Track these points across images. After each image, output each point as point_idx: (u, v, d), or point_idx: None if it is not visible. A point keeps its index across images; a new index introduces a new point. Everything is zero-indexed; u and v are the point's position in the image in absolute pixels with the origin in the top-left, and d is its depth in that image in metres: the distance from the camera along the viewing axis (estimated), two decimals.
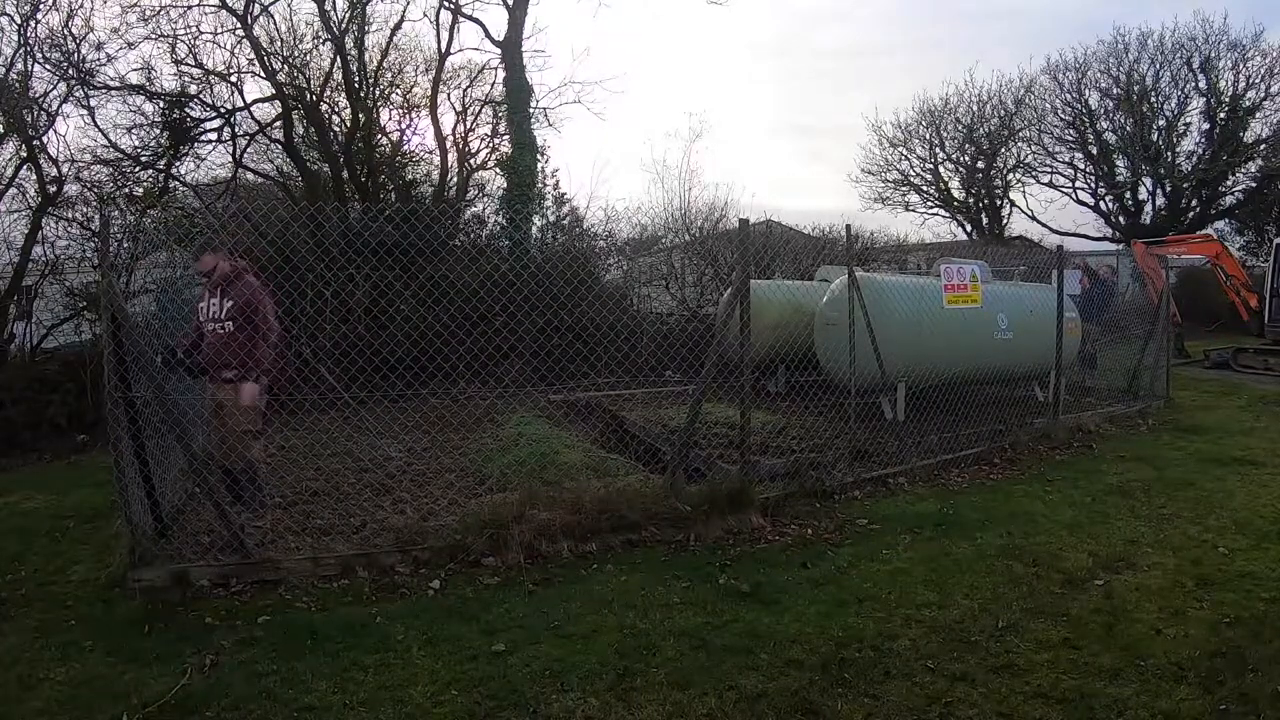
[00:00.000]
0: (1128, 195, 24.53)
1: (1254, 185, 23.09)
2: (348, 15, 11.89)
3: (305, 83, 11.96)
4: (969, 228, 27.16)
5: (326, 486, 5.77)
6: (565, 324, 9.24)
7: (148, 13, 10.59)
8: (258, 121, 11.80)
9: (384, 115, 13.01)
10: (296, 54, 11.99)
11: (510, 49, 12.62)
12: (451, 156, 13.02)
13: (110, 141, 10.79)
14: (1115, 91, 23.52)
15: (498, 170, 13.04)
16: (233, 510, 4.34)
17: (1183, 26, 23.12)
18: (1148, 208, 24.42)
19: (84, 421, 8.53)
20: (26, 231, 9.47)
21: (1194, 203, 24.00)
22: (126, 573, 4.07)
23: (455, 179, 13.02)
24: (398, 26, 12.50)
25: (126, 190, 10.89)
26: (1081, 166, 25.18)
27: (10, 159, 9.63)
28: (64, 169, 10.04)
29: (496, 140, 13.40)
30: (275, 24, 11.93)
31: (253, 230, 9.38)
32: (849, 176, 37.19)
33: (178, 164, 11.38)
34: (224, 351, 4.54)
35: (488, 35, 13.00)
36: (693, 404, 5.37)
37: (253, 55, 11.29)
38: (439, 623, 3.69)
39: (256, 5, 11.29)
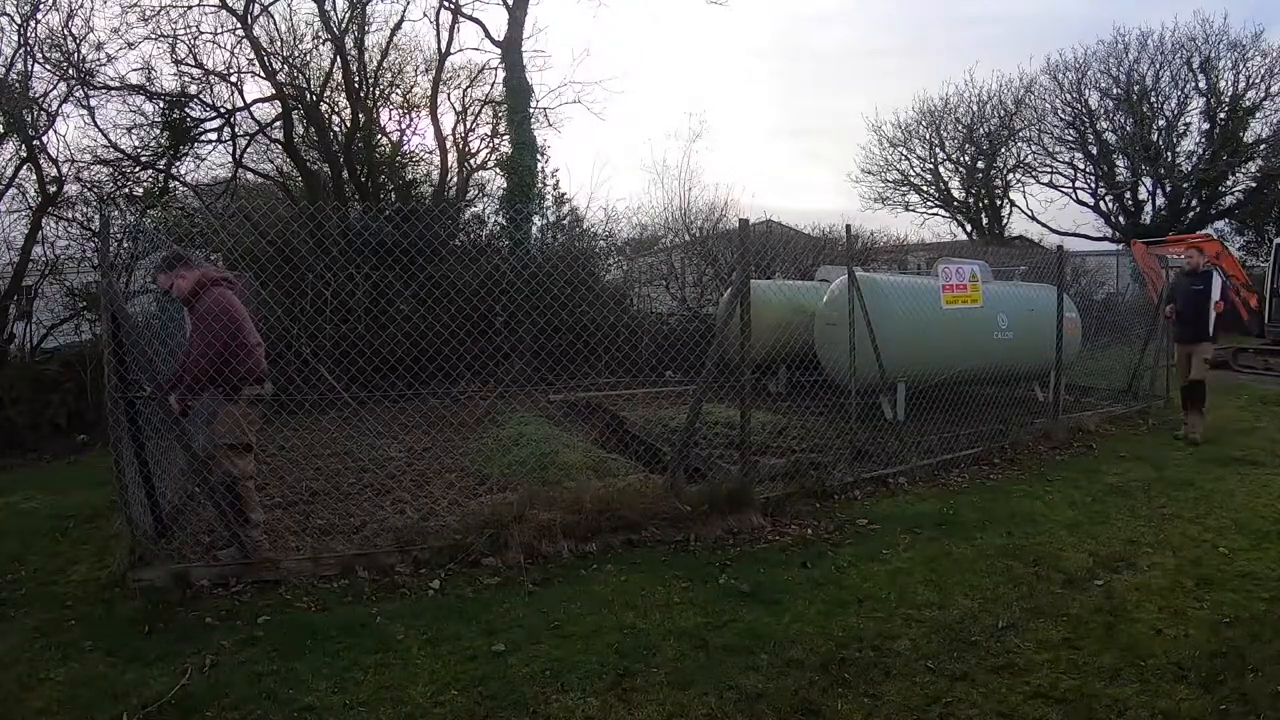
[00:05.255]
0: (1128, 195, 24.54)
1: (1254, 185, 23.08)
2: (348, 15, 11.90)
3: (305, 83, 11.95)
4: (969, 228, 27.17)
5: (326, 486, 5.78)
6: (565, 324, 9.25)
7: (148, 13, 10.60)
8: (258, 121, 11.80)
9: (384, 115, 13.04)
10: (296, 54, 12.00)
11: (510, 49, 12.64)
12: (451, 156, 13.04)
13: (110, 141, 10.79)
14: (1115, 91, 23.53)
15: (498, 170, 13.06)
16: (232, 516, 4.29)
17: (1183, 27, 23.14)
18: (1148, 208, 24.43)
19: (84, 421, 8.54)
20: (26, 231, 9.47)
21: (1194, 203, 24.00)
22: (126, 573, 4.07)
23: (455, 179, 13.03)
24: (398, 26, 12.54)
25: (126, 190, 10.89)
26: (1081, 166, 25.21)
27: (10, 159, 9.63)
28: (64, 169, 10.04)
29: (496, 140, 13.42)
30: (275, 24, 11.95)
31: (253, 230, 9.38)
32: (849, 176, 37.34)
33: (178, 164, 11.38)
34: (195, 367, 4.23)
35: (488, 35, 13.04)
36: (693, 404, 5.36)
37: (253, 55, 11.30)
38: (439, 623, 3.69)
39: (256, 5, 11.29)
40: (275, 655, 3.37)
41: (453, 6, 12.59)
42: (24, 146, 9.52)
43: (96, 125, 10.66)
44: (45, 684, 3.19)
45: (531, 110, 12.85)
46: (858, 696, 3.04)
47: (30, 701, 3.07)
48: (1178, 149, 23.36)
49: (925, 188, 27.42)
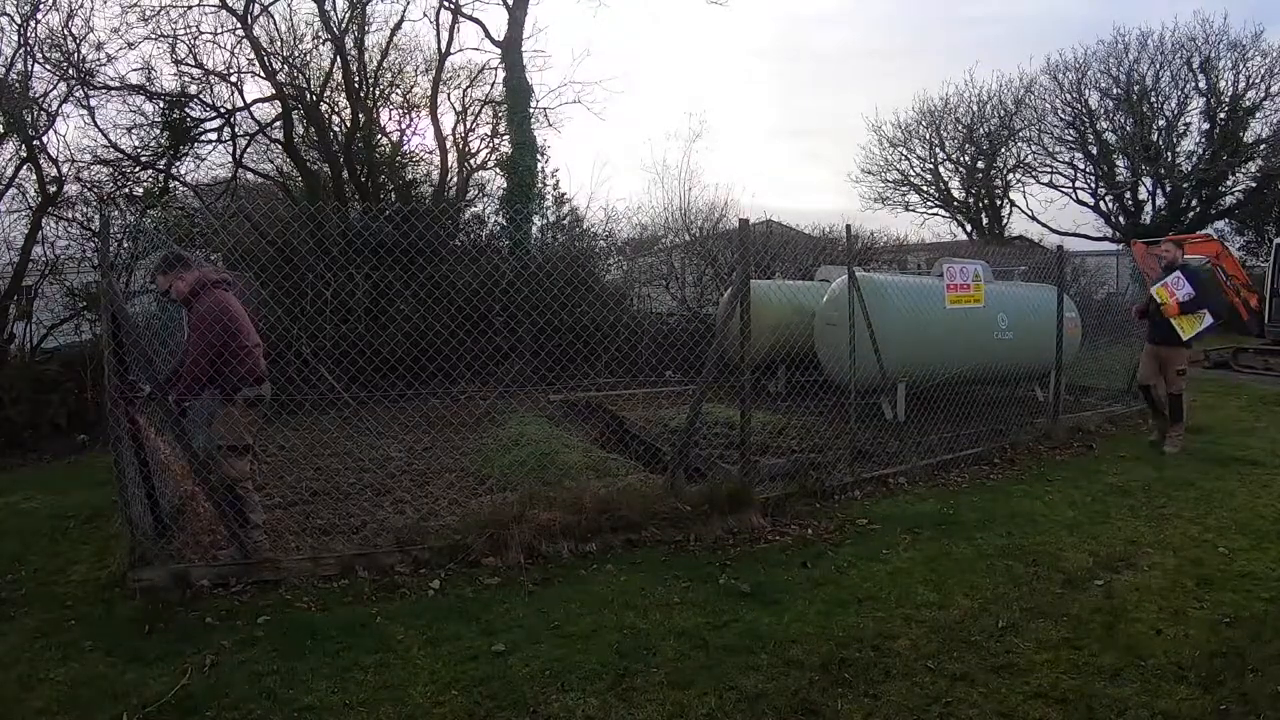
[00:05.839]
0: (1128, 195, 24.56)
1: (1254, 185, 23.10)
2: (348, 15, 11.90)
3: (305, 83, 11.95)
4: (969, 228, 27.20)
5: (326, 486, 5.78)
6: (565, 324, 9.25)
7: (148, 13, 10.60)
8: (258, 121, 11.80)
9: (384, 115, 13.04)
10: (296, 54, 11.99)
11: (510, 49, 12.63)
12: (451, 156, 13.03)
13: (110, 141, 10.79)
14: (1115, 91, 23.55)
15: (498, 170, 13.06)
16: (232, 516, 4.28)
17: (1183, 27, 23.25)
18: (1148, 208, 24.45)
19: (84, 421, 8.54)
20: (26, 231, 9.47)
21: (1194, 203, 24.02)
22: (126, 573, 4.07)
23: (455, 179, 13.02)
24: (398, 26, 12.53)
25: (126, 190, 10.89)
26: (1081, 166, 25.24)
27: (10, 159, 9.63)
28: (64, 169, 10.04)
29: (496, 140, 13.42)
30: (275, 24, 11.95)
31: (253, 230, 9.39)
32: (849, 176, 37.38)
33: (178, 164, 11.37)
34: (193, 369, 4.24)
35: (488, 35, 13.03)
36: (693, 404, 5.37)
37: (253, 55, 11.29)
38: (439, 623, 3.69)
39: (256, 5, 11.28)
40: (275, 655, 3.37)
41: (453, 6, 12.59)
42: (24, 146, 9.52)
43: (96, 125, 10.68)
44: (45, 684, 3.19)
45: (531, 110, 12.84)
46: (858, 696, 3.04)
47: (30, 701, 3.07)
48: (1178, 149, 23.41)
49: (925, 188, 27.46)
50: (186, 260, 4.54)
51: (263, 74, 11.41)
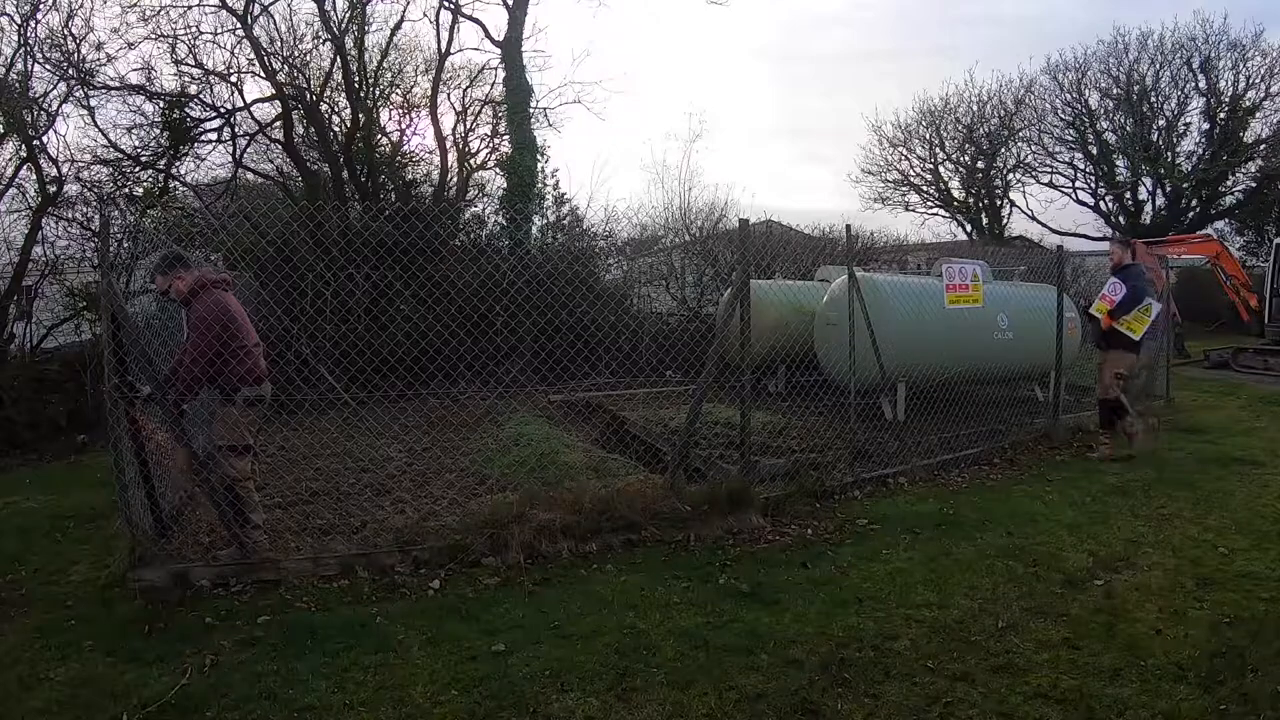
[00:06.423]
0: (1128, 195, 24.57)
1: (1254, 185, 23.12)
2: (348, 15, 11.90)
3: (305, 83, 11.96)
4: (969, 228, 27.19)
5: (326, 486, 5.78)
6: (565, 324, 9.24)
7: (148, 13, 10.62)
8: (258, 121, 11.81)
9: (384, 115, 13.05)
10: (296, 54, 12.00)
11: (510, 49, 12.64)
12: (451, 156, 13.04)
13: (110, 141, 10.81)
14: (1115, 91, 23.56)
15: (498, 170, 13.06)
16: (232, 516, 4.28)
17: (1183, 27, 23.21)
18: (1148, 208, 24.46)
19: (84, 421, 8.54)
20: (26, 231, 9.48)
21: (1194, 203, 24.03)
22: (126, 573, 4.07)
23: (455, 179, 13.03)
24: (398, 26, 12.55)
25: (126, 190, 10.90)
26: (1081, 166, 25.26)
27: (10, 159, 9.66)
28: (64, 169, 10.07)
29: (496, 140, 13.43)
30: (275, 24, 11.96)
31: (253, 230, 9.38)
32: (849, 177, 37.30)
33: (178, 164, 11.39)
34: (192, 369, 4.25)
35: (488, 35, 13.04)
36: (693, 404, 5.36)
37: (253, 55, 11.31)
38: (439, 623, 3.69)
39: (256, 5, 11.29)
40: (275, 655, 3.37)
41: (453, 6, 12.59)
42: (24, 146, 9.53)
43: (96, 125, 10.71)
44: (45, 684, 3.19)
45: (531, 110, 12.85)
46: (858, 696, 3.04)
47: (30, 701, 3.07)
48: (1178, 149, 23.44)
49: (925, 188, 27.45)
50: (186, 260, 4.53)
51: (263, 74, 11.42)
